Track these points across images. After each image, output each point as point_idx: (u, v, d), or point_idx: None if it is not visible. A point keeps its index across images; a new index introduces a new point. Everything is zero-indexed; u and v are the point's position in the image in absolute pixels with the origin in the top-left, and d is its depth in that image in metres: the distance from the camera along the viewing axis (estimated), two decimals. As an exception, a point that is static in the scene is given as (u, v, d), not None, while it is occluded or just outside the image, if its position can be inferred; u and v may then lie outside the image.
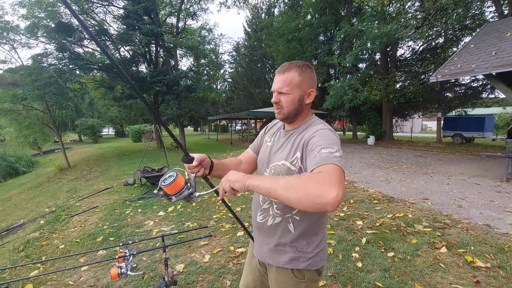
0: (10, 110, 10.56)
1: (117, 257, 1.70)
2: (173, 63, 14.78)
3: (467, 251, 2.57)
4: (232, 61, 28.29)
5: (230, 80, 29.57)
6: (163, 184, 0.93)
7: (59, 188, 8.18)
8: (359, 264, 2.43)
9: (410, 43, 14.81)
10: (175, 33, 14.31)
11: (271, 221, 1.07)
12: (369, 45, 11.02)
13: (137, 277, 2.45)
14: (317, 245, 1.04)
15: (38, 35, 10.19)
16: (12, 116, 11.04)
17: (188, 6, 14.74)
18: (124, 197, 5.44)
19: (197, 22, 15.51)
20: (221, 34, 16.10)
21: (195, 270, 2.53)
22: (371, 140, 14.28)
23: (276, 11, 21.67)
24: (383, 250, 2.68)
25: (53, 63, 10.95)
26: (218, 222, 3.74)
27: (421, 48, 15.04)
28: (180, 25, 15.08)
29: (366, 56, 14.39)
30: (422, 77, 13.54)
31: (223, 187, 0.87)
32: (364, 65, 16.03)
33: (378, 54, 14.77)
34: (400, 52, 16.12)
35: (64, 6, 10.35)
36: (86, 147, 21.36)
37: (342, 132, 29.25)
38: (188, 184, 0.98)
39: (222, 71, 19.83)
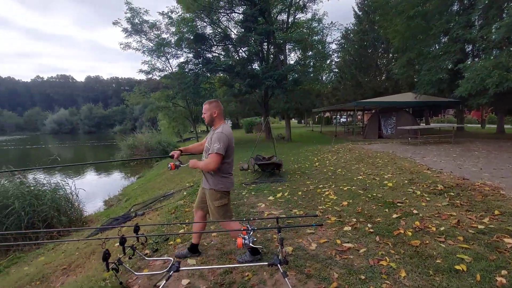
0: (164, 107, 14.18)
1: (243, 229, 2.08)
2: (282, 58, 15.43)
3: None
4: (340, 49, 26.70)
5: (336, 70, 27.98)
6: (169, 168, 2.55)
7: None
8: (507, 293, 1.94)
9: None
10: (285, 29, 14.84)
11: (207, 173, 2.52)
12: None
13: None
14: (223, 183, 2.52)
15: (182, 46, 13.00)
16: (165, 112, 14.75)
17: (298, 0, 14.89)
18: (240, 180, 6.28)
19: (306, 14, 15.42)
20: (331, 22, 15.44)
21: (302, 255, 2.65)
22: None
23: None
24: (551, 284, 2.01)
25: (191, 68, 13.74)
26: (323, 213, 3.78)
27: None
28: (290, 20, 15.50)
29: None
30: None
31: (192, 166, 2.44)
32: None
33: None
34: None
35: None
36: (210, 136, 25.60)
37: (480, 125, 22.48)
38: (177, 163, 2.56)
39: (328, 61, 19.14)
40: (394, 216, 3.46)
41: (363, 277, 2.23)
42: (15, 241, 5.31)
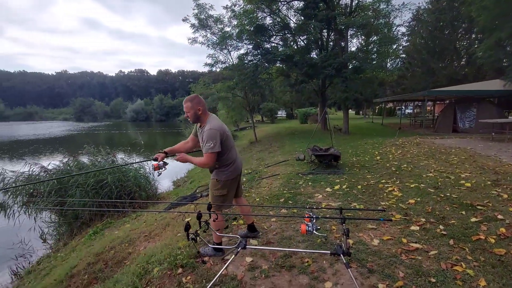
0: (225, 98, 15.06)
1: (306, 216, 2.17)
2: (343, 45, 14.52)
3: None
4: (409, 32, 23.78)
5: (403, 55, 25.08)
6: (152, 168, 2.57)
7: (251, 156, 10.77)
8: None
9: None
10: (348, 13, 13.89)
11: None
12: None
13: (311, 238, 2.90)
14: (224, 174, 2.58)
15: (243, 38, 13.40)
16: (225, 102, 15.60)
17: (364, -20, 13.69)
18: (297, 170, 6.34)
19: (372, -5, 14.07)
20: (403, 3, 13.79)
21: (363, 249, 2.62)
22: None
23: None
24: None
25: (250, 59, 14.08)
26: (387, 210, 3.60)
27: None
28: (353, 3, 14.41)
29: None
30: None
31: (180, 159, 2.49)
32: None
33: None
34: None
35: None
36: (266, 126, 26.10)
37: None
38: (161, 163, 2.52)
39: (395, 46, 17.29)
40: (473, 219, 3.11)
41: (433, 280, 2.12)
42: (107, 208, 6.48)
